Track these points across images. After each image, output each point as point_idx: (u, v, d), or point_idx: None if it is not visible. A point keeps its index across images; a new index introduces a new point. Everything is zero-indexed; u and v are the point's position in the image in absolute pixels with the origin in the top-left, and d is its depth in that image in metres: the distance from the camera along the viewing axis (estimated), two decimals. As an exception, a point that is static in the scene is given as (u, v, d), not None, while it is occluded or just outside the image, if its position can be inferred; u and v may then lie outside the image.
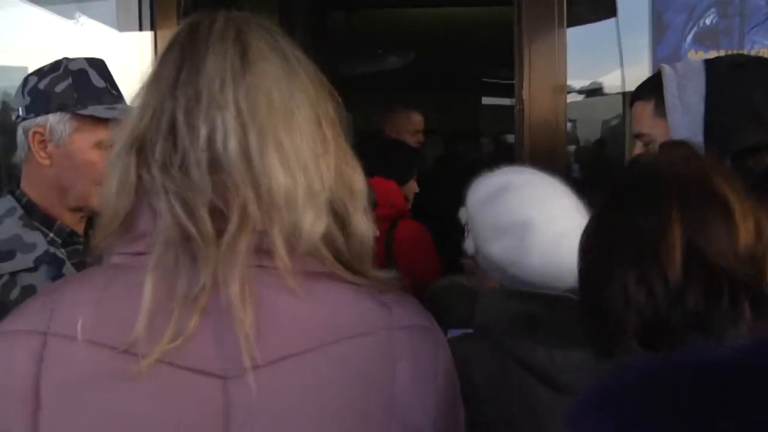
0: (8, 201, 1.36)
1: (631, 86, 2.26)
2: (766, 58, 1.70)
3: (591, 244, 0.75)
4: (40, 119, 1.33)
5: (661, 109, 1.35)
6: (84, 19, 2.55)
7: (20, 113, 1.35)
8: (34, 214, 1.35)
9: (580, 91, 2.27)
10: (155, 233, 0.66)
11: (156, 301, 0.64)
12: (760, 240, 0.68)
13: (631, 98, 1.47)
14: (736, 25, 2.12)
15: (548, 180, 1.20)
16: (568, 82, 2.14)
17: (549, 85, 2.08)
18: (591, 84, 2.43)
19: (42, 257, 1.32)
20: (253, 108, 0.68)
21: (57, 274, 1.32)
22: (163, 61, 0.72)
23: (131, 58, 2.36)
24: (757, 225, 0.69)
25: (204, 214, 0.65)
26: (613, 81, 2.33)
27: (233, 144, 0.66)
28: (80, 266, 1.37)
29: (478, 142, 6.32)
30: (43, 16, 2.57)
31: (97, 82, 1.38)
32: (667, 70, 1.37)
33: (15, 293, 1.26)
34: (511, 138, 6.71)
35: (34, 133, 1.33)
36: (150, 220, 0.68)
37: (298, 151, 0.69)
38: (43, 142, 1.33)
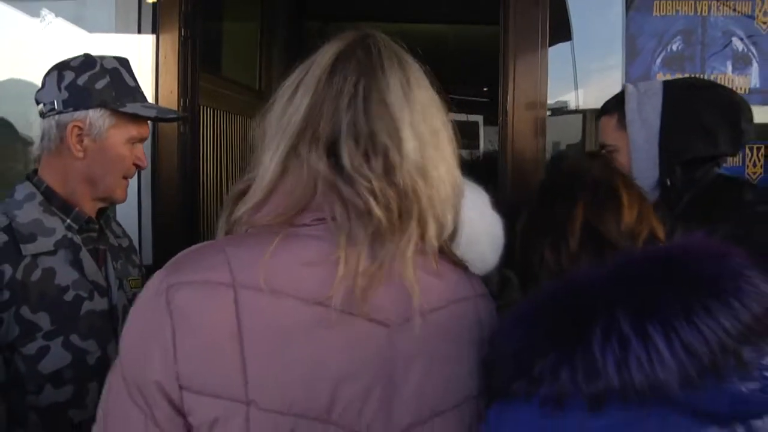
0: (27, 187, 1.42)
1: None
2: (716, 82, 1.90)
3: (526, 224, 0.99)
4: (79, 114, 1.39)
5: (622, 123, 1.52)
6: (81, 21, 2.59)
7: (55, 106, 1.40)
8: (53, 201, 1.41)
9: (557, 108, 2.44)
10: (338, 216, 0.78)
11: (344, 273, 0.76)
12: (640, 223, 0.91)
13: (598, 113, 1.64)
14: (698, 53, 2.33)
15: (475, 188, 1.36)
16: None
17: (531, 100, 2.23)
18: (566, 101, 2.60)
19: (61, 241, 1.38)
20: (421, 128, 0.81)
21: (74, 258, 1.39)
22: (335, 70, 0.82)
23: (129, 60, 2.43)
24: (640, 213, 0.92)
25: (394, 207, 0.78)
26: (588, 99, 2.51)
27: (415, 157, 0.80)
28: (94, 252, 1.45)
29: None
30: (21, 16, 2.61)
31: (129, 81, 1.46)
32: (629, 88, 1.54)
33: (37, 274, 1.32)
34: (476, 152, 6.92)
35: (74, 126, 1.39)
36: (319, 204, 0.79)
37: (450, 165, 0.85)
38: (80, 136, 1.40)
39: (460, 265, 0.91)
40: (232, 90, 3.44)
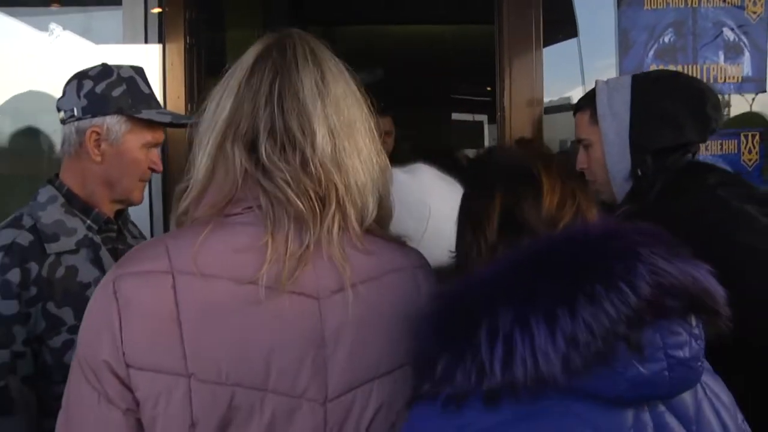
0: (49, 190, 1.49)
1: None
2: (681, 72, 1.93)
3: (458, 216, 0.97)
4: (97, 120, 1.47)
5: (595, 118, 1.58)
6: (90, 32, 2.68)
7: (74, 113, 1.48)
8: (74, 203, 1.48)
9: (552, 103, 2.50)
10: (263, 205, 0.85)
11: (272, 255, 0.83)
12: (562, 208, 0.87)
13: (573, 109, 1.70)
14: (689, 43, 2.39)
15: (440, 175, 1.40)
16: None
17: (527, 98, 2.30)
18: (560, 98, 2.66)
19: (82, 241, 1.45)
20: (336, 121, 0.89)
21: (95, 257, 1.46)
22: (254, 72, 0.89)
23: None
24: (563, 198, 0.87)
25: (312, 196, 0.86)
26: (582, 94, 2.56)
27: (328, 149, 0.87)
28: (113, 251, 1.52)
29: (449, 156, 6.53)
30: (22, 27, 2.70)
31: (144, 88, 1.53)
32: (599, 84, 1.60)
33: (60, 272, 1.40)
34: (481, 151, 6.99)
35: (92, 132, 1.47)
36: (245, 196, 0.86)
37: (366, 154, 0.92)
38: (98, 141, 1.47)
39: (394, 240, 0.97)
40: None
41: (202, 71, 2.51)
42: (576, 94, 2.60)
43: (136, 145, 1.50)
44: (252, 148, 0.87)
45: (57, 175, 1.53)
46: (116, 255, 1.53)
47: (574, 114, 1.69)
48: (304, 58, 0.90)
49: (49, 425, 1.34)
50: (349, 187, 0.88)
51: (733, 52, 2.37)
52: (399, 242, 0.98)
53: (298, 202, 0.84)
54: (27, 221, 1.42)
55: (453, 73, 6.69)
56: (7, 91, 2.69)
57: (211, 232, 0.84)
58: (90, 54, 2.59)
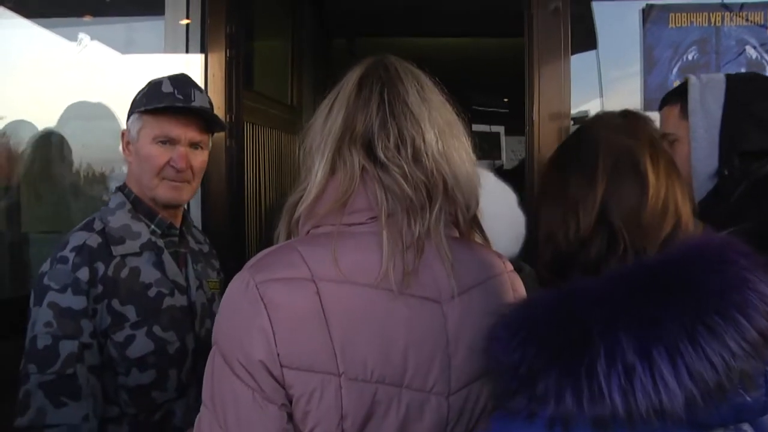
0: (119, 196, 1.60)
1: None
2: None
3: (538, 189, 0.93)
4: (125, 124, 1.61)
5: (685, 113, 1.57)
6: (133, 44, 2.78)
7: None
8: (139, 208, 1.58)
9: (579, 117, 2.57)
10: (375, 208, 0.93)
11: (389, 250, 0.90)
12: (664, 218, 0.81)
13: (660, 104, 1.69)
14: (713, 61, 2.46)
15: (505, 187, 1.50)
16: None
17: (555, 110, 2.37)
18: (578, 111, 2.72)
19: (146, 244, 1.56)
20: (440, 122, 0.99)
21: (157, 260, 1.56)
22: (362, 86, 1.00)
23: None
24: (664, 205, 0.81)
25: (422, 189, 0.94)
26: (608, 108, 2.63)
27: (437, 146, 0.96)
28: (175, 255, 1.62)
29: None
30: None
31: (166, 88, 1.57)
32: (693, 79, 1.58)
33: (125, 272, 1.50)
34: (499, 162, 7.03)
35: (122, 134, 1.61)
36: (365, 200, 0.94)
37: (467, 150, 1.01)
38: (127, 143, 1.60)
39: (489, 244, 1.06)
40: (268, 105, 3.61)
41: (241, 83, 2.60)
42: (593, 107, 2.68)
43: (147, 140, 1.56)
44: (369, 149, 0.96)
45: (125, 183, 1.63)
46: (177, 258, 1.62)
47: (660, 109, 1.67)
48: (405, 73, 1.01)
49: (112, 412, 1.46)
50: (456, 178, 0.97)
51: (755, 70, 2.44)
52: (490, 246, 1.07)
53: (411, 194, 0.92)
54: (97, 225, 1.53)
55: (474, 85, 6.75)
56: (53, 100, 2.79)
57: (340, 240, 0.91)
58: (133, 64, 2.70)
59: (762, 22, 2.46)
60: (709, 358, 0.68)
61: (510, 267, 1.08)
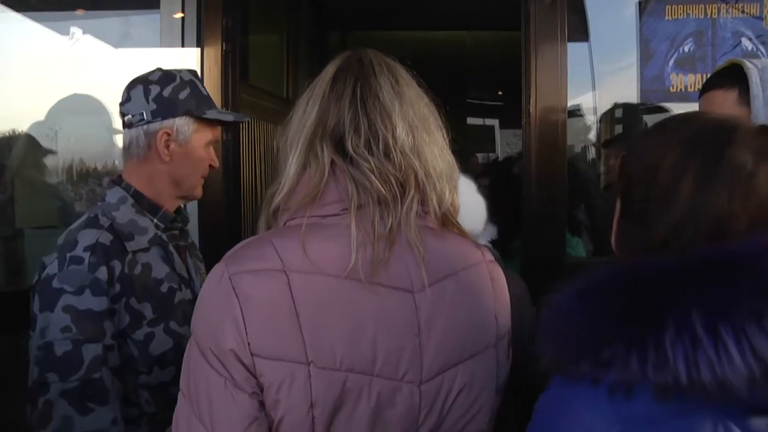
0: (118, 191, 1.55)
1: (621, 102, 2.58)
2: None
3: (696, 175, 0.82)
4: (167, 122, 1.54)
5: (744, 98, 1.46)
6: (128, 38, 2.76)
7: (144, 117, 1.54)
8: (142, 203, 1.55)
9: (576, 108, 2.58)
10: (345, 199, 0.95)
11: (358, 240, 0.92)
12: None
13: (703, 88, 1.58)
14: (709, 53, 2.47)
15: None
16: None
17: (552, 102, 2.36)
18: (582, 103, 2.72)
19: (153, 239, 1.53)
20: (412, 117, 1.00)
21: (164, 255, 1.54)
22: (336, 80, 1.01)
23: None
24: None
25: (393, 183, 0.96)
26: (604, 100, 2.64)
27: (409, 141, 0.98)
28: (177, 248, 1.60)
29: (465, 160, 6.63)
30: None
31: (203, 90, 1.62)
32: (748, 63, 1.50)
33: (138, 269, 1.47)
34: (493, 155, 7.05)
35: (163, 133, 1.54)
36: (336, 193, 0.95)
37: (441, 147, 1.02)
38: (167, 142, 1.55)
39: (466, 235, 1.07)
40: (263, 99, 3.59)
41: (236, 77, 2.59)
42: (585, 100, 2.68)
43: (201, 144, 1.58)
44: (339, 144, 0.97)
45: (120, 177, 1.59)
46: (179, 252, 1.61)
47: (703, 93, 1.58)
48: (380, 67, 1.02)
49: (131, 413, 1.45)
50: (428, 172, 0.98)
51: (752, 61, 2.44)
52: (468, 237, 1.08)
53: (381, 188, 0.94)
54: (104, 221, 1.48)
55: (468, 78, 6.76)
56: (45, 94, 2.77)
57: (312, 233, 0.93)
58: (129, 58, 2.68)
59: (758, 14, 2.46)
60: None
61: (489, 257, 1.08)
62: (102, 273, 1.40)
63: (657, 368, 0.71)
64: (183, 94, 1.57)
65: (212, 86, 2.50)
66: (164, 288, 1.52)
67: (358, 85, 0.99)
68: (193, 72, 1.65)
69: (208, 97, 1.63)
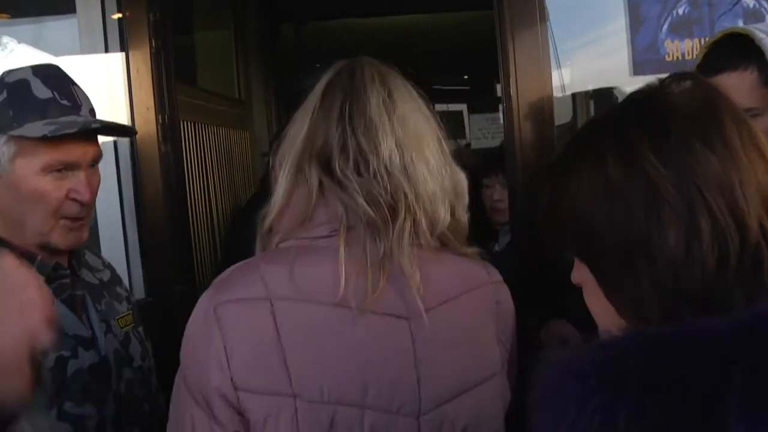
0: None
1: (612, 76, 2.31)
2: None
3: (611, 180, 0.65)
4: None
5: (765, 76, 1.20)
6: (43, 43, 2.43)
7: None
8: (12, 251, 1.14)
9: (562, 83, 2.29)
10: (336, 221, 0.91)
11: (348, 266, 0.88)
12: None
13: (706, 70, 1.27)
14: (705, 14, 2.19)
15: None
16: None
17: (534, 82, 2.09)
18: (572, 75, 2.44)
19: None
20: (404, 135, 0.94)
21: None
22: (325, 96, 0.98)
23: (99, 80, 2.26)
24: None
25: (383, 205, 0.91)
26: (594, 72, 2.37)
27: (397, 160, 0.92)
28: (71, 299, 1.25)
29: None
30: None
31: (41, 92, 1.17)
32: (757, 33, 1.21)
33: None
34: (463, 141, 6.79)
35: None
36: (325, 215, 0.93)
37: (435, 165, 0.96)
38: None
39: (469, 255, 1.02)
40: (212, 101, 3.30)
41: (171, 77, 2.26)
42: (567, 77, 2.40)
43: (31, 171, 1.15)
44: (327, 165, 0.94)
45: None
46: (74, 303, 1.26)
47: (713, 75, 1.25)
48: (372, 80, 0.97)
49: None
50: (418, 195, 0.93)
51: (754, 19, 2.17)
52: (474, 256, 1.03)
53: (370, 211, 0.90)
54: None
55: (431, 64, 6.52)
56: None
57: (301, 257, 0.91)
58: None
59: (756, -35, 2.20)
60: None
61: (496, 277, 1.05)
62: None
63: None
64: None
65: (143, 90, 2.19)
66: (50, 362, 1.15)
67: (347, 101, 0.96)
68: (39, 67, 1.22)
69: (47, 102, 1.17)
